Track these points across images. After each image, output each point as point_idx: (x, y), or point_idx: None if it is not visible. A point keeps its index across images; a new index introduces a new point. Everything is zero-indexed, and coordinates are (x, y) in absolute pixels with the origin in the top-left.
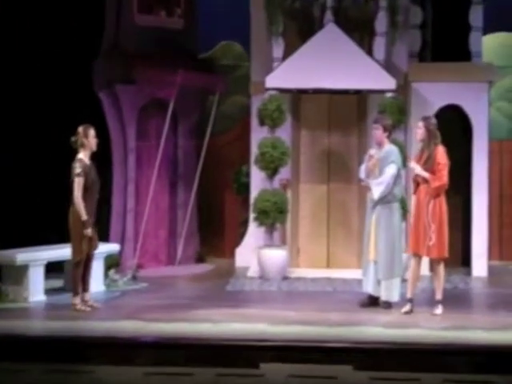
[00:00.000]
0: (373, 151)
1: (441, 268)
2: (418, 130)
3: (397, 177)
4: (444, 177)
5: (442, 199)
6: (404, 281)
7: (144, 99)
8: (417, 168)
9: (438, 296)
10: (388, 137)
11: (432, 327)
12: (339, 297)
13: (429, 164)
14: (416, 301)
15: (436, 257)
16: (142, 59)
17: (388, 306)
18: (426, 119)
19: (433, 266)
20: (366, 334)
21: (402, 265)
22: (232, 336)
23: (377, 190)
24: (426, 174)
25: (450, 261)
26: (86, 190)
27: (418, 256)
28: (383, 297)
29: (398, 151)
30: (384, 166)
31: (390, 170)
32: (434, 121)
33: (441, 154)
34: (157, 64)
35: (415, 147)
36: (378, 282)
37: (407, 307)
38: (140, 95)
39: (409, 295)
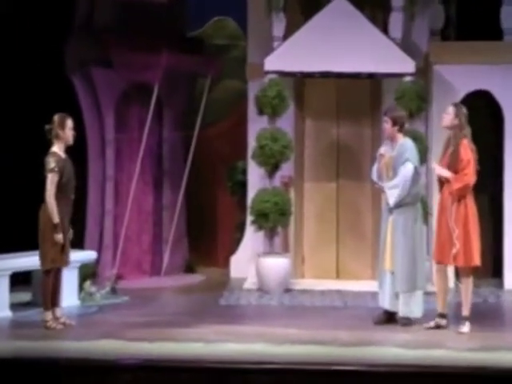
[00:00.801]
0: (383, 149)
1: (469, 279)
2: (447, 116)
3: (415, 175)
4: (467, 176)
5: (469, 200)
6: (427, 294)
7: (123, 84)
8: (437, 168)
9: (465, 312)
10: (400, 130)
11: (458, 347)
12: (350, 312)
13: (452, 160)
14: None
15: (462, 265)
16: (121, 38)
17: (407, 322)
18: (457, 105)
19: (460, 276)
20: (382, 356)
21: (425, 276)
22: (226, 358)
23: (392, 195)
24: (447, 174)
25: (478, 271)
26: (60, 188)
27: (442, 265)
28: (401, 312)
29: (413, 145)
30: (398, 164)
31: (406, 170)
32: (465, 110)
33: (465, 148)
34: (138, 44)
35: (437, 139)
36: (396, 296)
37: (431, 323)
38: (118, 80)
39: (439, 309)
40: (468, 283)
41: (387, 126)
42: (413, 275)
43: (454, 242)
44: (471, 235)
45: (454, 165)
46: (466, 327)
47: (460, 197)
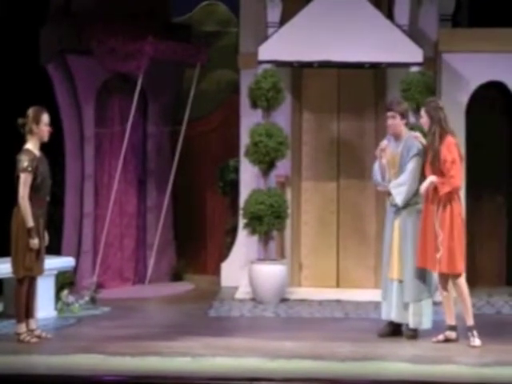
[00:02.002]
0: (384, 143)
1: (460, 286)
2: (422, 120)
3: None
4: (454, 179)
5: (455, 204)
6: (435, 304)
7: (104, 74)
8: (423, 187)
9: (469, 321)
10: (406, 124)
11: (469, 363)
12: (352, 324)
13: (435, 164)
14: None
15: (446, 271)
16: (101, 24)
17: (414, 335)
18: (427, 103)
19: (453, 285)
20: (387, 371)
21: (434, 283)
22: (216, 373)
23: (399, 194)
24: (433, 179)
25: (491, 280)
26: (35, 189)
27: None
28: (412, 323)
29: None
30: (405, 161)
31: (413, 165)
32: (436, 103)
33: (447, 147)
34: (119, 30)
35: None
36: (405, 306)
37: (440, 336)
38: (99, 69)
39: (448, 321)
40: (461, 290)
41: (395, 121)
42: (422, 283)
43: (438, 246)
44: (455, 241)
45: (438, 166)
46: (476, 339)
47: (447, 201)
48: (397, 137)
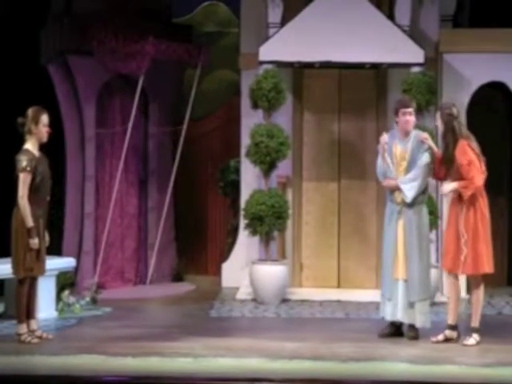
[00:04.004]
0: (386, 137)
1: (479, 289)
2: (436, 123)
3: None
4: (474, 179)
5: (479, 205)
6: (434, 304)
7: (105, 75)
8: (444, 189)
9: (474, 323)
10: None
11: (470, 363)
12: (353, 325)
13: (452, 170)
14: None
15: (471, 273)
16: (102, 24)
17: (415, 335)
18: (441, 108)
19: (471, 286)
20: (388, 371)
21: (434, 284)
22: (217, 374)
23: (410, 189)
24: (454, 186)
25: (492, 280)
26: (34, 189)
27: (453, 274)
28: (419, 322)
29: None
30: (416, 156)
31: (425, 161)
32: (450, 110)
33: (460, 150)
34: (120, 31)
35: None
36: (411, 306)
37: (440, 336)
38: (100, 70)
39: (449, 321)
40: (479, 293)
41: (413, 117)
42: (427, 282)
43: (462, 247)
44: (481, 241)
45: (456, 172)
46: (472, 339)
47: (470, 202)
48: (407, 134)
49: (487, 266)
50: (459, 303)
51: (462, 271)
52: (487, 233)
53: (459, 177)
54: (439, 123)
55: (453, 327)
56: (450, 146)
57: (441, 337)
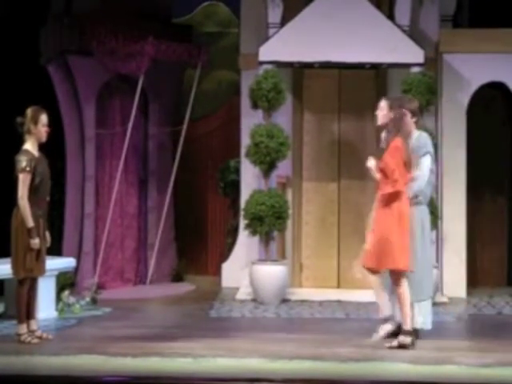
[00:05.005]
0: (371, 163)
1: (399, 286)
2: (380, 112)
3: (430, 173)
4: (398, 183)
5: (399, 204)
6: (434, 304)
7: (105, 75)
8: (371, 163)
9: (404, 325)
10: (416, 122)
11: (470, 363)
12: (353, 325)
13: (381, 161)
14: (450, 330)
15: (373, 266)
16: (102, 24)
17: (415, 336)
18: (391, 99)
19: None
20: (388, 372)
21: (433, 284)
22: (217, 374)
23: (412, 186)
24: (376, 176)
25: (492, 280)
26: (34, 189)
27: (371, 269)
28: (418, 324)
29: (430, 140)
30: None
31: (425, 163)
32: (407, 103)
33: (392, 150)
34: (120, 31)
35: (447, 135)
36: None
37: (381, 332)
38: (99, 70)
39: (381, 315)
40: (400, 292)
41: (381, 112)
42: (424, 283)
43: (371, 243)
44: (394, 239)
45: (382, 166)
46: (395, 341)
47: (388, 201)
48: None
49: (397, 263)
50: (384, 295)
51: (373, 266)
52: (404, 233)
53: (384, 173)
54: (384, 113)
55: (385, 320)
56: (388, 139)
57: (382, 333)
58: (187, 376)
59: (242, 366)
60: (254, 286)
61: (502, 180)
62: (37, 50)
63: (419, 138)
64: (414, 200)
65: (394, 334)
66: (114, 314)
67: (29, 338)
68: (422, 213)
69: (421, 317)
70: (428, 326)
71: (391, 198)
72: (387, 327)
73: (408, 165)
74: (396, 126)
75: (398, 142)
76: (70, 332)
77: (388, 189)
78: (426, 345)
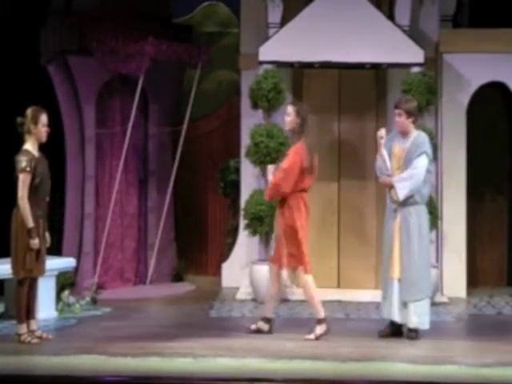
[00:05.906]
0: (383, 131)
1: (304, 285)
2: (287, 118)
3: (428, 171)
4: (282, 186)
5: (296, 208)
6: (434, 304)
7: (105, 75)
8: (270, 168)
9: (317, 314)
10: (414, 122)
11: (470, 363)
12: (353, 325)
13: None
14: (450, 330)
15: (287, 268)
16: (102, 24)
17: (415, 336)
18: (297, 104)
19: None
20: (388, 371)
21: (432, 284)
22: (217, 374)
23: (402, 188)
24: (269, 176)
25: (492, 280)
26: (34, 189)
27: (276, 267)
28: (412, 324)
29: (428, 140)
30: (411, 158)
31: (420, 163)
32: (307, 108)
33: (293, 153)
34: (120, 31)
35: (447, 135)
36: (404, 305)
37: (253, 326)
38: (99, 70)
39: (266, 314)
40: (306, 289)
41: (401, 119)
42: (421, 282)
43: (282, 245)
44: (295, 241)
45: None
46: (312, 334)
47: (291, 203)
48: (403, 134)
49: (295, 263)
50: (277, 297)
51: (279, 265)
52: (302, 234)
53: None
54: (292, 118)
55: (267, 319)
56: (294, 143)
57: (254, 326)
58: (187, 376)
59: (242, 366)
60: (254, 285)
61: (502, 180)
62: (37, 49)
63: (417, 137)
64: (410, 199)
65: (394, 334)
66: (114, 314)
67: (29, 338)
68: (419, 212)
69: (416, 316)
70: (425, 325)
71: (272, 192)
72: (264, 326)
73: (308, 170)
74: (298, 131)
75: (300, 146)
76: (70, 332)
77: (267, 192)
78: (425, 345)
